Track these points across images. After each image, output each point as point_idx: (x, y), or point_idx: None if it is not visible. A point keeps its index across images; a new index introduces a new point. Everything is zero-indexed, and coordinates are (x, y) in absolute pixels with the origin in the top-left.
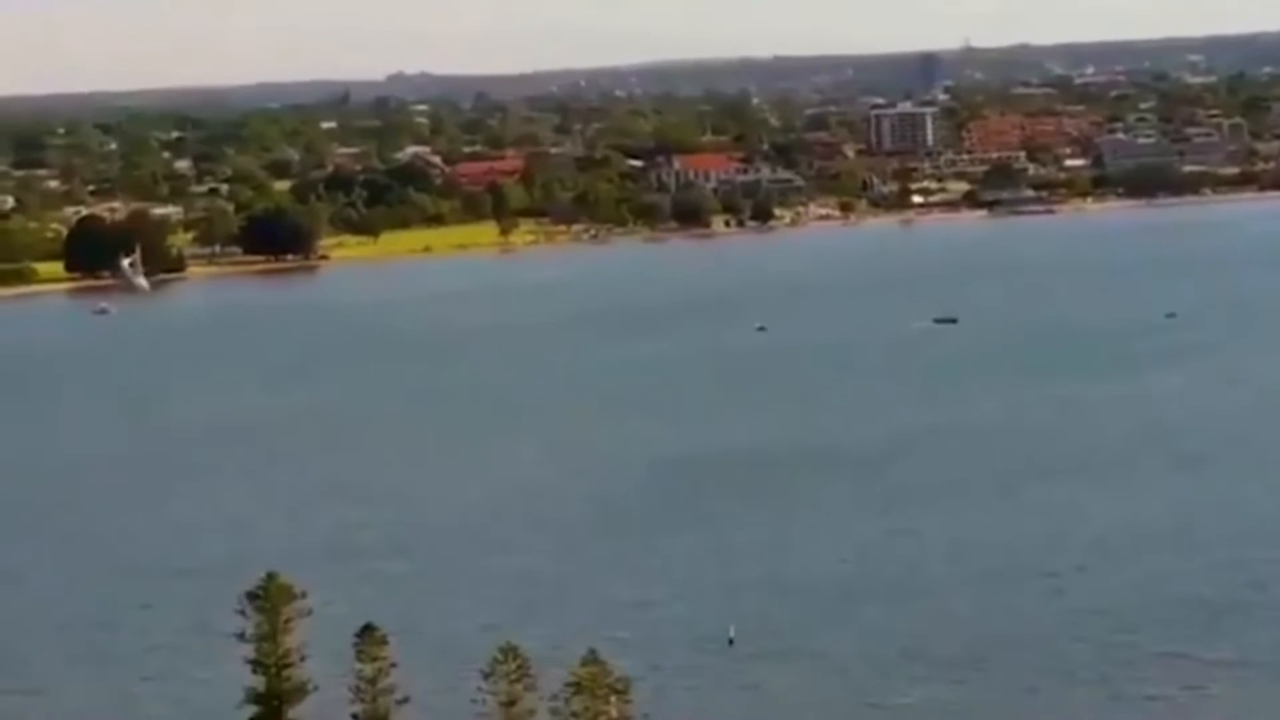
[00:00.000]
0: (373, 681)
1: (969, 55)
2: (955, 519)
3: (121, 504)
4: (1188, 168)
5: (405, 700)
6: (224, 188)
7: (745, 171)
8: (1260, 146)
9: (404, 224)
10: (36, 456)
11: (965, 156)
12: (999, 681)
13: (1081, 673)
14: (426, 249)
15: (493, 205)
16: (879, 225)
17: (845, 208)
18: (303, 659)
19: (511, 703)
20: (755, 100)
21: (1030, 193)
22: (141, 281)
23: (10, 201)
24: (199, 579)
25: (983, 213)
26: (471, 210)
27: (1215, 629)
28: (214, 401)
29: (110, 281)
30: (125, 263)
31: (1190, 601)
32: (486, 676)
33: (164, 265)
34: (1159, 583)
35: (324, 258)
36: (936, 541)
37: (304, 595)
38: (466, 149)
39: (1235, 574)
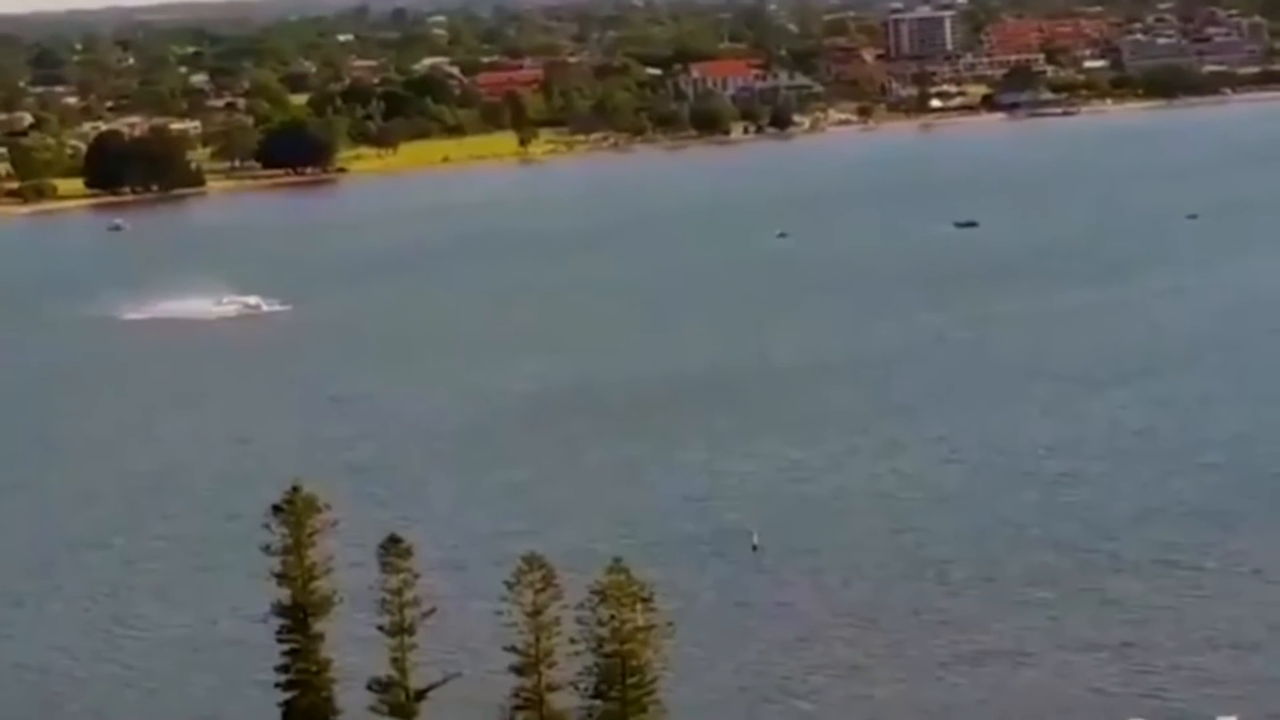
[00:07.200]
0: (399, 593)
1: None
2: (957, 428)
3: (118, 422)
4: (1208, 67)
5: (431, 611)
6: (241, 102)
7: (763, 78)
8: None
9: (422, 135)
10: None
11: (984, 59)
12: (993, 590)
13: (1070, 581)
14: (445, 160)
15: (511, 115)
16: (898, 129)
17: (864, 112)
18: (328, 571)
19: (537, 612)
20: (773, 6)
21: (1050, 95)
22: None
23: (29, 118)
24: (200, 496)
25: (1002, 115)
26: (490, 120)
27: (1208, 534)
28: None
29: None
30: None
31: (1183, 507)
32: (511, 586)
33: (183, 181)
34: (1151, 489)
35: (342, 170)
36: (938, 451)
37: (329, 507)
38: (485, 59)
39: (1227, 479)
